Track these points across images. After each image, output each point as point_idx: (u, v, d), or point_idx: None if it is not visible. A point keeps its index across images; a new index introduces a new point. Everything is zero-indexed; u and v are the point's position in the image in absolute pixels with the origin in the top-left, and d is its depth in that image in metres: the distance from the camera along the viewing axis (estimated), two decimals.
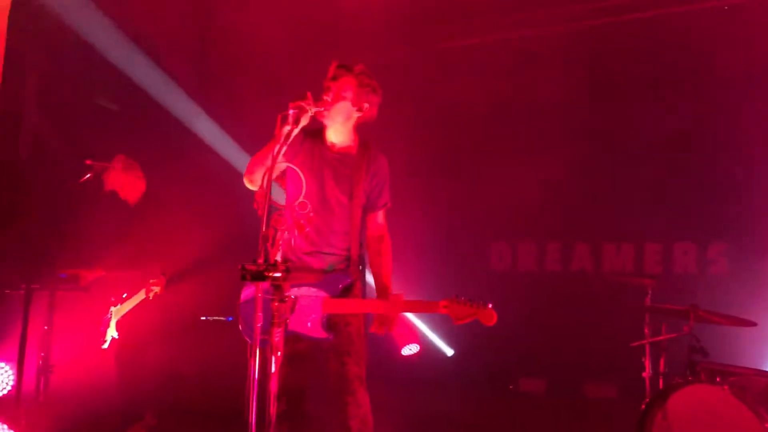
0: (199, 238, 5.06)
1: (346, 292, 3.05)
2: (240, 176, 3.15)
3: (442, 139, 7.65)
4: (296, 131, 2.83)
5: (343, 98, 3.10)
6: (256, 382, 2.43)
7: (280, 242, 2.59)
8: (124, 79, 6.86)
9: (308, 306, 2.99)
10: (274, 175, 2.95)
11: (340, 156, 3.19)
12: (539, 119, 7.08)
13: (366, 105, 3.15)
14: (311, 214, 3.14)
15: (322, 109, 2.98)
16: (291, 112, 2.82)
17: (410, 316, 7.34)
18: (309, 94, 2.91)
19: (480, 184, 7.50)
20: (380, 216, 3.25)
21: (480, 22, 7.12)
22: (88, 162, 4.70)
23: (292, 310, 2.94)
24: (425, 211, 7.41)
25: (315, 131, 3.20)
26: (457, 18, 7.07)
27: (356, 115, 3.16)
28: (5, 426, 3.38)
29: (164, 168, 5.08)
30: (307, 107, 2.85)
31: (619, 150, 6.78)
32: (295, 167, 3.15)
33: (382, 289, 3.11)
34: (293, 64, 6.61)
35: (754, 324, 3.84)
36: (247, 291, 3.13)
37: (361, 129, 3.25)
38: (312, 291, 3.00)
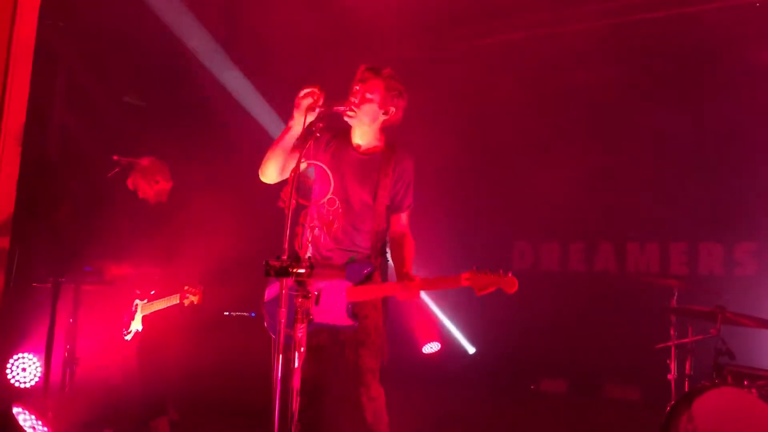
0: (226, 235, 5.09)
1: (368, 279, 3.09)
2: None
3: (465, 138, 7.63)
4: (305, 123, 2.87)
5: (370, 101, 3.12)
6: (279, 378, 2.44)
7: (309, 239, 2.61)
8: (153, 75, 6.94)
9: (333, 296, 3.02)
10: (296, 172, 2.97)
11: (365, 157, 3.21)
12: (563, 119, 7.04)
13: (392, 109, 3.18)
14: (340, 211, 3.16)
15: (346, 108, 3.02)
16: (303, 102, 2.87)
17: (435, 313, 7.36)
18: (318, 86, 2.92)
19: (503, 183, 7.48)
20: (404, 217, 3.27)
21: (505, 20, 7.07)
22: (115, 157, 4.75)
23: (317, 302, 2.97)
24: (448, 210, 7.40)
25: (341, 131, 3.24)
26: (481, 16, 7.04)
27: (382, 117, 3.19)
28: (33, 416, 3.44)
29: (193, 164, 5.12)
30: (314, 98, 2.88)
31: (644, 149, 6.71)
32: (322, 165, 3.17)
33: (404, 272, 3.12)
34: (319, 60, 6.61)
35: None
36: (271, 290, 3.16)
37: (387, 129, 3.27)
38: (335, 282, 3.04)
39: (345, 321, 3.03)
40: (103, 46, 6.61)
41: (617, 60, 6.86)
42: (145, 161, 4.81)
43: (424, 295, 7.30)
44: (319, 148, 3.17)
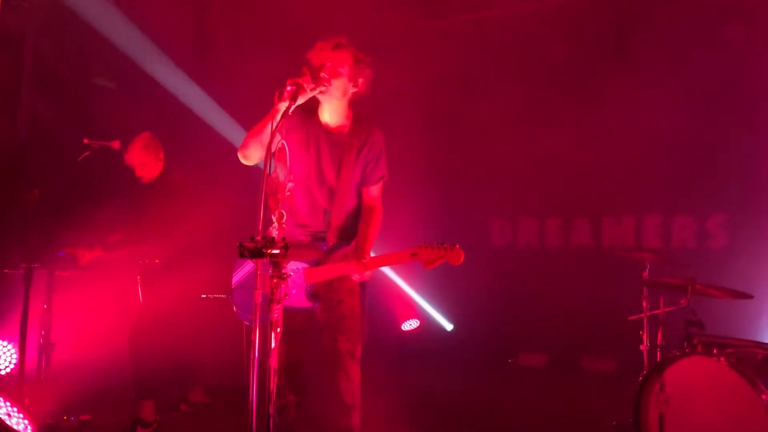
0: (204, 218, 5.05)
1: (325, 258, 3.10)
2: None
3: (442, 114, 7.63)
4: (293, 108, 2.83)
5: (341, 75, 3.08)
6: (256, 360, 2.45)
7: (274, 219, 2.59)
8: (124, 55, 6.81)
9: (292, 279, 3.03)
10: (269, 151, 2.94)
11: (333, 133, 3.19)
12: (540, 95, 7.05)
13: (361, 80, 3.14)
14: (303, 192, 3.17)
15: (322, 86, 2.96)
16: (288, 88, 2.81)
17: (411, 294, 7.40)
18: (306, 70, 2.89)
19: (480, 160, 7.50)
20: (374, 190, 3.26)
21: None
22: (86, 141, 4.68)
23: None
24: (425, 188, 7.42)
25: (309, 108, 3.19)
26: None
27: (352, 90, 3.15)
28: (8, 403, 3.42)
29: (167, 146, 5.04)
30: (305, 85, 2.84)
31: (620, 124, 6.75)
32: (288, 145, 3.15)
33: (361, 252, 3.13)
34: (293, 35, 6.54)
35: (750, 296, 3.86)
36: (237, 276, 3.16)
37: (355, 104, 3.23)
38: (293, 264, 3.04)
39: (305, 303, 3.05)
40: (72, 26, 6.47)
41: (592, 34, 6.88)
42: (142, 137, 4.76)
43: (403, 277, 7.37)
44: (288, 126, 3.14)
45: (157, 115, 6.53)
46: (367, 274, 3.05)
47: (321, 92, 3.01)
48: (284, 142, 3.09)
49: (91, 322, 4.94)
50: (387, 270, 7.13)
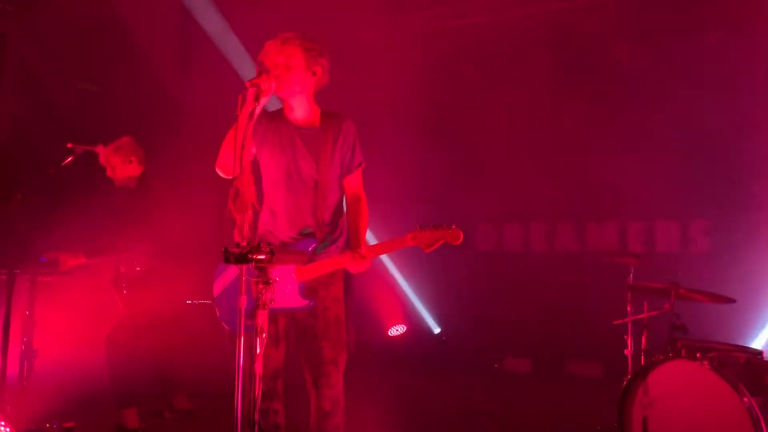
0: (188, 224, 5.02)
1: (315, 254, 3.08)
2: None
3: (428, 120, 7.64)
4: (258, 109, 2.82)
5: (294, 67, 3.06)
6: (241, 366, 2.43)
7: (249, 223, 2.58)
8: (107, 58, 6.78)
9: (283, 279, 3.02)
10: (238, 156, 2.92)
11: (305, 129, 3.18)
12: (523, 102, 7.10)
13: (318, 68, 3.13)
14: (285, 193, 3.15)
15: (278, 83, 2.95)
16: (249, 90, 2.80)
17: (402, 293, 7.42)
18: (261, 70, 2.88)
19: (465, 166, 7.53)
20: (355, 178, 3.26)
21: (464, 4, 7.10)
22: (69, 145, 4.65)
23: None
24: (410, 193, 7.43)
25: (276, 112, 3.21)
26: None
27: (311, 82, 3.13)
28: None
29: (148, 151, 5.01)
30: (263, 85, 2.83)
31: (603, 131, 6.81)
32: (264, 152, 3.16)
33: (356, 243, 3.14)
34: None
35: (733, 301, 3.90)
36: (219, 283, 3.15)
37: (318, 95, 3.22)
38: (282, 264, 3.02)
39: (299, 302, 3.03)
40: (55, 30, 6.43)
41: (573, 43, 6.94)
42: (119, 140, 4.73)
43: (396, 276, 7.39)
44: (260, 133, 3.14)
45: (141, 119, 6.50)
46: (367, 263, 3.04)
47: (280, 89, 3.01)
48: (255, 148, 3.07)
49: (73, 328, 4.88)
50: (378, 268, 7.15)
